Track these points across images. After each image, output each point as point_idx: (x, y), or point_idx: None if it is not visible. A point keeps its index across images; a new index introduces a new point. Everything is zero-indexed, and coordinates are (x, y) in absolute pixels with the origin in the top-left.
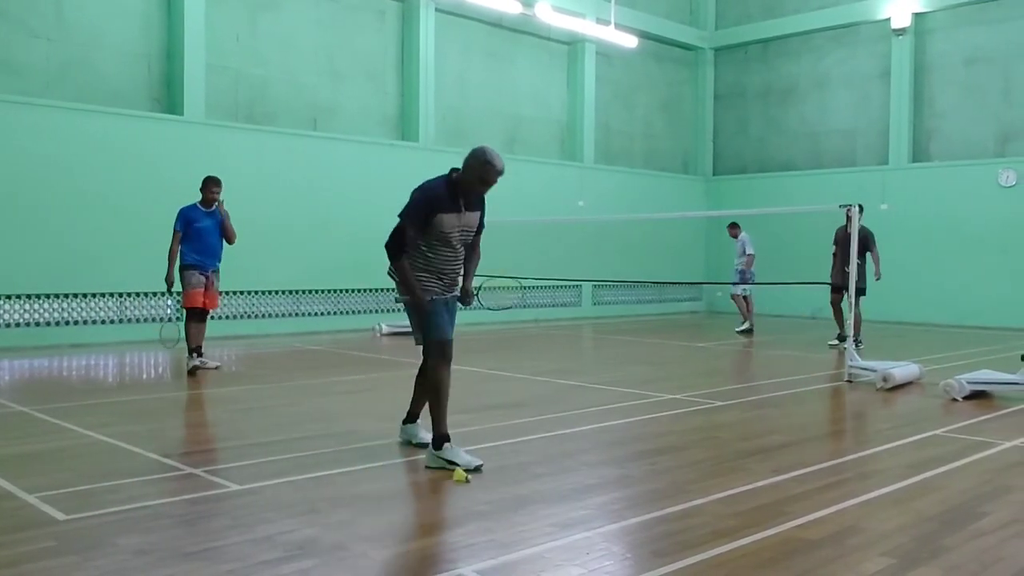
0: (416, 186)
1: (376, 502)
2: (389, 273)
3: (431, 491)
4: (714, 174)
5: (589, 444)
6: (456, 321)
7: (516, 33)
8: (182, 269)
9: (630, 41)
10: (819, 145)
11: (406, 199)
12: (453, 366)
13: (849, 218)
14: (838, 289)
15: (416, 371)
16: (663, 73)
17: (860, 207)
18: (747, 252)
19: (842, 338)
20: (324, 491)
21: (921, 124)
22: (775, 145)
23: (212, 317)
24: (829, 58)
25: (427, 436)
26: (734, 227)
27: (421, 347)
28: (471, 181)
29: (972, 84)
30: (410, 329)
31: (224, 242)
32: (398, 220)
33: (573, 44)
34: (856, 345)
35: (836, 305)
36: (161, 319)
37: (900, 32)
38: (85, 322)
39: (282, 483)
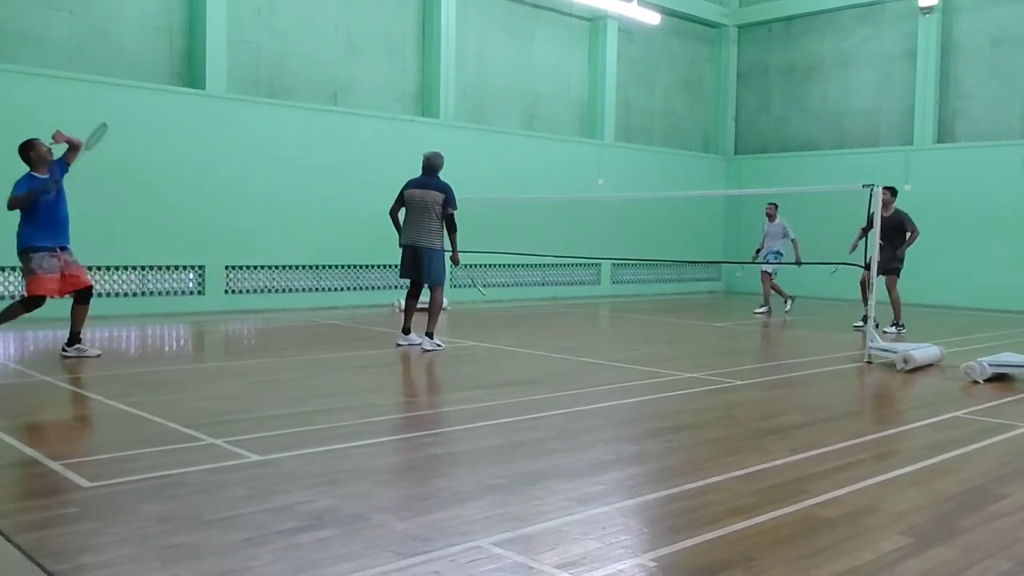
0: (447, 182)
1: (393, 474)
2: (432, 242)
3: (447, 464)
4: (735, 153)
5: (605, 421)
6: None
7: (536, 9)
8: (30, 251)
9: (653, 18)
10: (842, 125)
11: None
12: (470, 342)
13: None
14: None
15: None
16: (684, 50)
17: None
18: (792, 236)
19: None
20: (342, 463)
21: (946, 104)
22: (797, 124)
23: (229, 291)
24: (853, 36)
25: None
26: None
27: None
28: None
29: (999, 64)
30: (426, 305)
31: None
32: (453, 210)
33: (595, 20)
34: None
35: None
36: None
37: (927, 11)
38: (107, 294)
39: (300, 455)
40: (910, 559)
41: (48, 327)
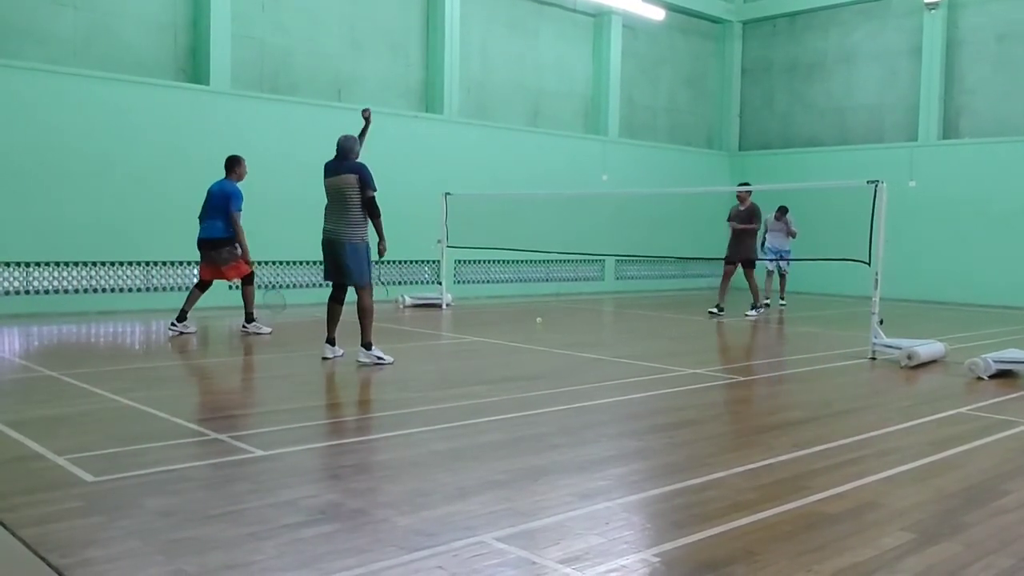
0: (361, 161)
1: (396, 470)
2: (350, 233)
3: (450, 460)
4: (739, 149)
5: (608, 417)
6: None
7: (540, 4)
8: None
9: (657, 13)
10: (846, 121)
11: (432, 170)
12: (473, 337)
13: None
14: (732, 262)
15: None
16: (689, 46)
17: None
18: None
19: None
20: (346, 458)
21: (951, 100)
22: (801, 121)
23: (232, 287)
24: (858, 32)
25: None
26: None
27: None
28: None
29: (1004, 60)
30: (431, 301)
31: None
32: (372, 192)
33: (599, 16)
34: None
35: (728, 277)
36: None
37: (932, 6)
38: (112, 290)
39: (305, 450)
40: (912, 555)
41: (54, 322)
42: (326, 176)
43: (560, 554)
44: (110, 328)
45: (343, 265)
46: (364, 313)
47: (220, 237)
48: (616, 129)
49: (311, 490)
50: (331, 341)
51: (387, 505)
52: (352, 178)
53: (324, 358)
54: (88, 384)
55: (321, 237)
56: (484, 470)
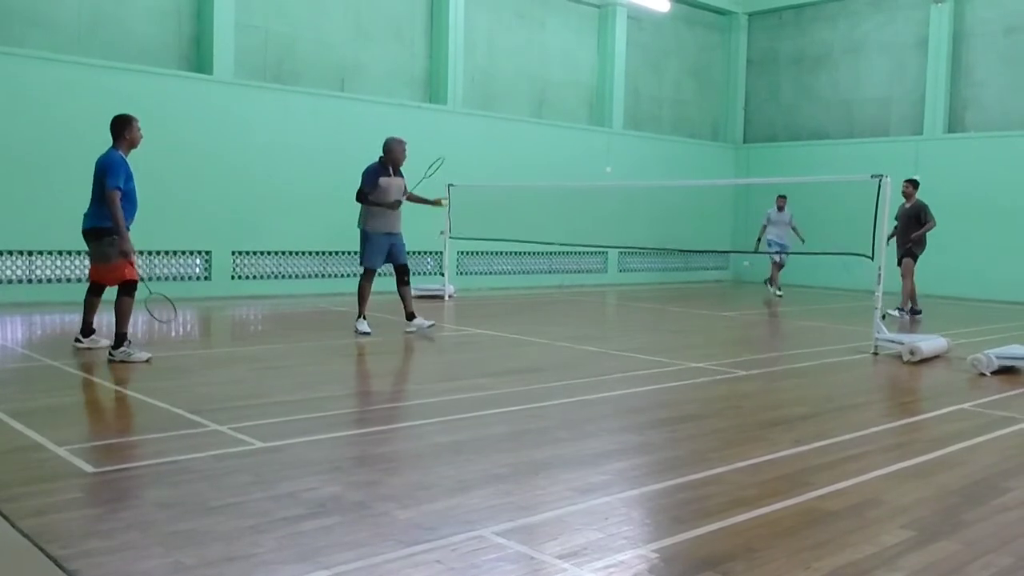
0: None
1: (397, 463)
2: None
3: (451, 453)
4: (744, 142)
5: (610, 410)
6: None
7: None
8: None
9: (662, 4)
10: (852, 113)
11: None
12: (476, 330)
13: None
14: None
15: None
16: (694, 38)
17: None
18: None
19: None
20: (346, 451)
21: (958, 93)
22: (807, 113)
23: (236, 277)
24: (865, 24)
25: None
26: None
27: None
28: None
29: (1012, 53)
30: (432, 292)
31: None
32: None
33: (604, 7)
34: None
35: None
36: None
37: None
38: None
39: (305, 442)
40: (912, 553)
41: (56, 311)
42: (387, 176)
43: (559, 549)
44: (112, 317)
45: (403, 251)
46: (410, 288)
47: None
48: (621, 120)
49: (311, 483)
50: (365, 317)
51: (388, 498)
52: (403, 181)
53: (365, 332)
54: (89, 374)
55: (382, 232)
56: (486, 463)
